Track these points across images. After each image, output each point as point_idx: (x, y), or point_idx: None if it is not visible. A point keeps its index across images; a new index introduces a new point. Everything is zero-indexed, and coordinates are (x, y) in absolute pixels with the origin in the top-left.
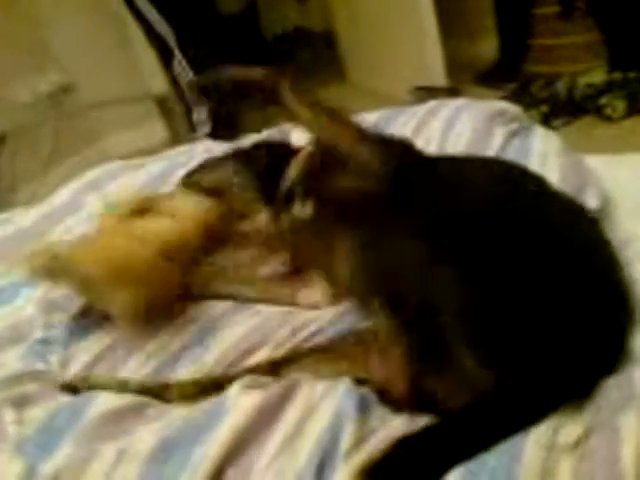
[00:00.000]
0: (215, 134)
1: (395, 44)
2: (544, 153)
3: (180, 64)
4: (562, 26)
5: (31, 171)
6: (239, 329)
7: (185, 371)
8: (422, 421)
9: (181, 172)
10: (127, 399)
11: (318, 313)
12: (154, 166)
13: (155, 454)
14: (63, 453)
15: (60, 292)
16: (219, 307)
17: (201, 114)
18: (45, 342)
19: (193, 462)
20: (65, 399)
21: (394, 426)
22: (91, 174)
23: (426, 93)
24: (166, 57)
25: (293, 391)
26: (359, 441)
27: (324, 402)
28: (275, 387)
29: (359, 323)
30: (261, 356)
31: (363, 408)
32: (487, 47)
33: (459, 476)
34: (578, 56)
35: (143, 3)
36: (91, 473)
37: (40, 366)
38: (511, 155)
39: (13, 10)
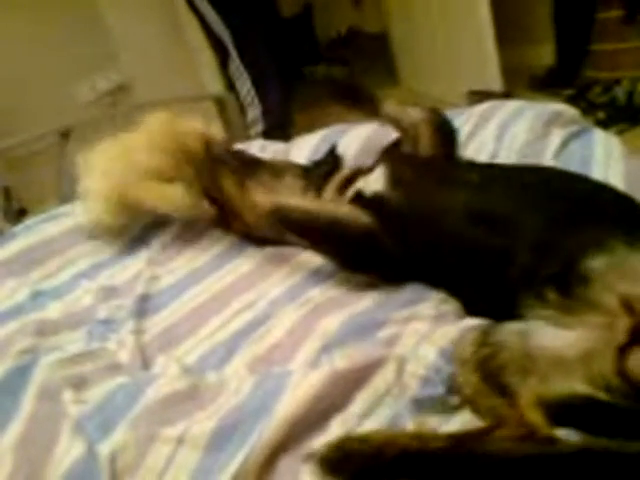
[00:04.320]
0: (268, 133)
1: (451, 47)
2: (607, 158)
3: (236, 65)
4: (624, 30)
5: None
6: None
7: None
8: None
9: None
10: (184, 382)
11: None
12: None
13: (212, 441)
14: (120, 435)
15: (118, 280)
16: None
17: (254, 114)
18: (105, 323)
19: (246, 450)
20: (123, 380)
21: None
22: None
23: (480, 97)
24: (223, 58)
25: (359, 377)
26: None
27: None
28: (344, 367)
29: None
30: None
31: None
32: (544, 52)
33: None
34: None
35: (201, 3)
36: (149, 459)
37: (98, 347)
38: (570, 158)
39: (77, 10)
